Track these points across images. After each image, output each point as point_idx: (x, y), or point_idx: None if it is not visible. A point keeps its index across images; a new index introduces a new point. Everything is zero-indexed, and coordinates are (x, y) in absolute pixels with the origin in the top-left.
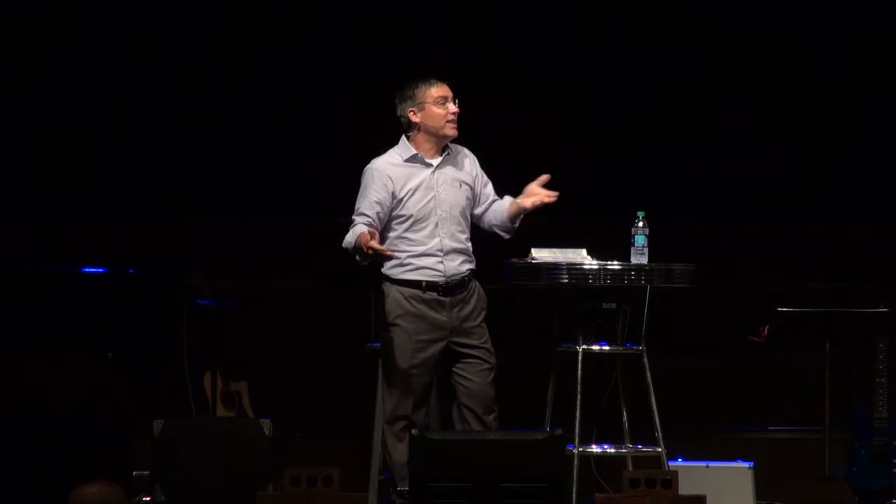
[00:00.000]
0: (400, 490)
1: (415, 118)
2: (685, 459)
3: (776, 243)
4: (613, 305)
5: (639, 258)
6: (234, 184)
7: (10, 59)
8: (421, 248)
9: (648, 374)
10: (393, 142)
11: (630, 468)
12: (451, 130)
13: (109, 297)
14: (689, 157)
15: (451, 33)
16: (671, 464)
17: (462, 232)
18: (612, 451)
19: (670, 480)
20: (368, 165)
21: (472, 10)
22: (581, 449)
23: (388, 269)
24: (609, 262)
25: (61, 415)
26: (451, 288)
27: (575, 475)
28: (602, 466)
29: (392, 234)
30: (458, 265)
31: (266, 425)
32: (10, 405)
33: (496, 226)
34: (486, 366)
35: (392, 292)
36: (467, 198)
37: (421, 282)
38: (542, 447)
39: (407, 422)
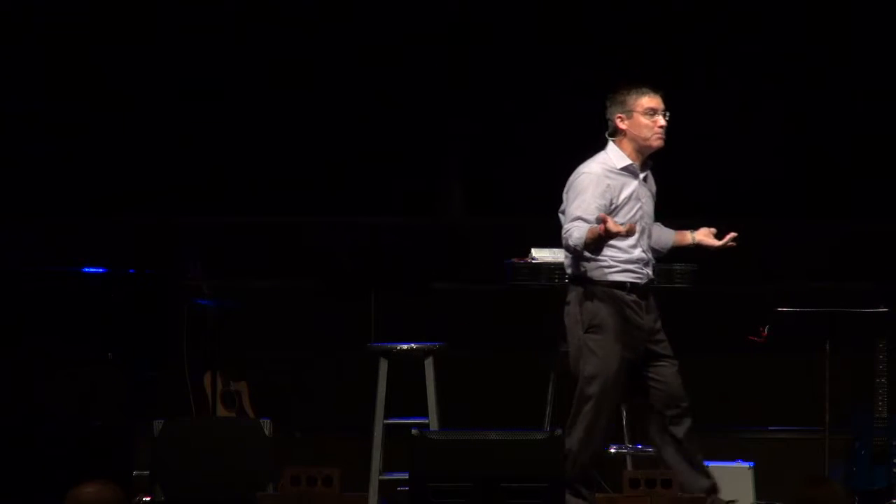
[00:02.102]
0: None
1: (622, 125)
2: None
3: (776, 243)
4: None
5: None
6: (233, 184)
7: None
8: (625, 256)
9: None
10: (382, 140)
11: (630, 468)
12: (657, 142)
13: (109, 297)
14: (689, 157)
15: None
16: None
17: (651, 245)
18: (612, 451)
19: (670, 480)
20: (585, 171)
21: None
22: None
23: (592, 270)
24: None
25: (61, 415)
26: (647, 292)
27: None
28: (602, 466)
29: None
30: (651, 273)
31: (266, 425)
32: (10, 405)
33: (652, 248)
34: (676, 367)
35: (596, 293)
36: (653, 212)
37: (626, 283)
38: (542, 447)
39: (604, 427)
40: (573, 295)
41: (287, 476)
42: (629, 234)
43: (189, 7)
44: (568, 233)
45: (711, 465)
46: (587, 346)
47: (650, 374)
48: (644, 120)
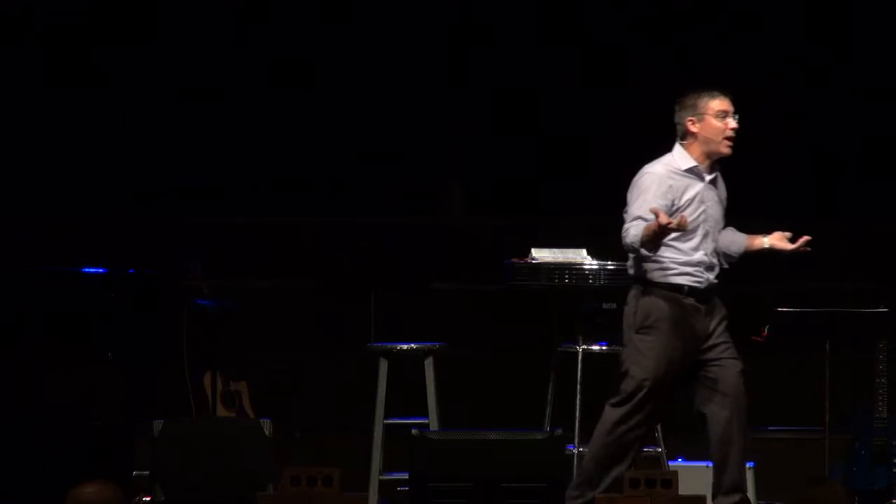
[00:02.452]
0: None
1: (693, 128)
2: (685, 459)
3: None
4: (613, 305)
5: None
6: (234, 184)
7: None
8: (684, 258)
9: None
10: (382, 140)
11: (630, 468)
12: (725, 148)
13: (109, 297)
14: None
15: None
16: (671, 464)
17: (716, 250)
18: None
19: (670, 480)
20: (649, 171)
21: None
22: (581, 449)
23: (651, 271)
24: (609, 262)
25: (61, 415)
26: (707, 295)
27: (575, 475)
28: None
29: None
30: (713, 277)
31: (266, 425)
32: (10, 405)
33: (724, 252)
34: (740, 367)
35: (652, 294)
36: (723, 217)
37: (684, 286)
38: (542, 447)
39: (633, 430)
40: (631, 294)
41: (287, 476)
42: (681, 228)
43: (189, 7)
44: (626, 231)
45: (711, 465)
46: (636, 347)
47: (705, 374)
48: (716, 123)
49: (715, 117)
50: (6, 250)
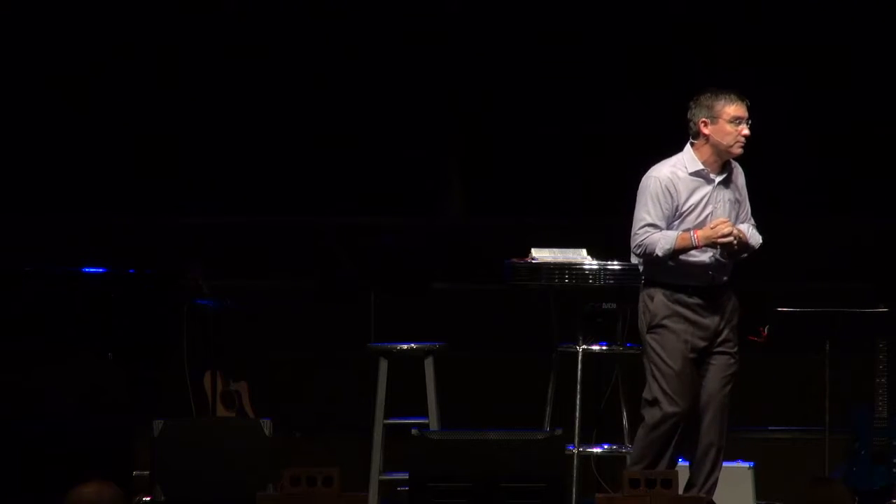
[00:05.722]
0: None
1: (705, 129)
2: (685, 459)
3: (777, 243)
4: (613, 305)
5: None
6: (233, 184)
7: (11, 58)
8: (692, 259)
9: None
10: (382, 140)
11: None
12: (738, 149)
13: (109, 297)
14: None
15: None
16: None
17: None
18: (612, 450)
19: (670, 480)
20: (654, 174)
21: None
22: (581, 449)
23: (657, 272)
24: (609, 262)
25: (61, 415)
26: (714, 293)
27: (575, 475)
28: (602, 466)
29: None
30: (722, 276)
31: (266, 425)
32: (10, 404)
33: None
34: (730, 371)
35: (657, 295)
36: (737, 215)
37: (688, 286)
38: (542, 447)
39: (676, 419)
40: (641, 297)
41: (287, 476)
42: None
43: (189, 7)
44: (645, 239)
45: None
46: (651, 347)
47: (701, 372)
48: (729, 127)
49: (729, 122)
50: (6, 250)
